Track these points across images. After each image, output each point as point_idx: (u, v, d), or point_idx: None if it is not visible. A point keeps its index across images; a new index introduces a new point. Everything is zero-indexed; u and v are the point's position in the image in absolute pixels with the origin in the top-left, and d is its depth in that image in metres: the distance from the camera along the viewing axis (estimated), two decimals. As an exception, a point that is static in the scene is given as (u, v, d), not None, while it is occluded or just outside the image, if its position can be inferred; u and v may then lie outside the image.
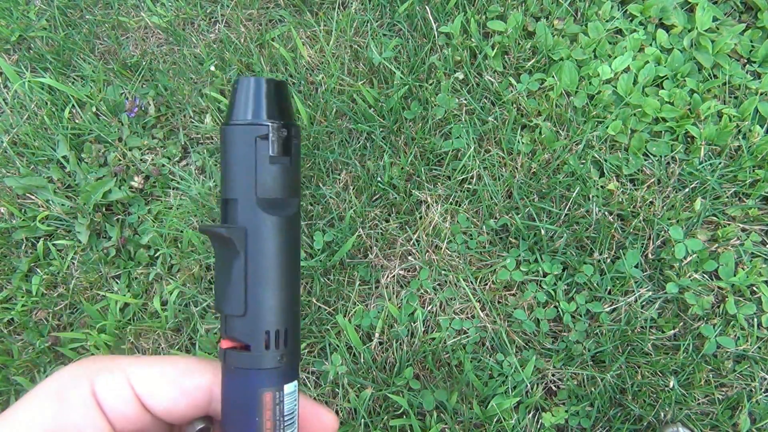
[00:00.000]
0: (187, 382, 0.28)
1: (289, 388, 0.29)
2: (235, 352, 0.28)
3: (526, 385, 0.89)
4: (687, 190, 0.99)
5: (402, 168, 1.04)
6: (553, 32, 1.13)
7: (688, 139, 1.04)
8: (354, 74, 1.15)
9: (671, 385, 0.87)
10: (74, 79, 1.29)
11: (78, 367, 0.28)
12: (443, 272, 0.98)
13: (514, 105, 1.07)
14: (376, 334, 0.95)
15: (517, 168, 1.03)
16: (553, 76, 1.08)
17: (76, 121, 1.22)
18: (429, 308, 0.96)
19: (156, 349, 1.03)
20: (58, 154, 1.18)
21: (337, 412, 0.89)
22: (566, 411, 0.88)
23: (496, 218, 1.00)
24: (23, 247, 1.13)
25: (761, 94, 1.03)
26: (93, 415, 0.27)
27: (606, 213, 0.98)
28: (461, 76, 1.11)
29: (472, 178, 1.03)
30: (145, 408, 0.28)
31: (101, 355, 0.27)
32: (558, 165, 1.02)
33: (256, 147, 0.28)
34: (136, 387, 0.27)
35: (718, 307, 0.93)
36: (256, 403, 0.28)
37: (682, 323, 0.92)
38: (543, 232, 0.96)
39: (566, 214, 0.99)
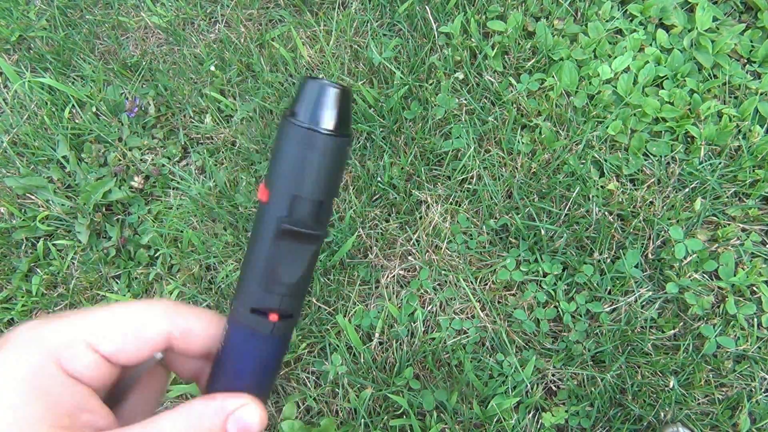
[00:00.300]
0: (148, 333, 0.31)
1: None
2: (280, 322, 0.34)
3: (526, 385, 0.89)
4: (687, 190, 0.99)
5: (402, 168, 1.04)
6: (553, 32, 1.13)
7: (688, 139, 1.04)
8: (354, 74, 1.15)
9: (671, 385, 0.87)
10: (74, 79, 1.29)
11: (38, 347, 0.28)
12: (443, 272, 0.98)
13: (514, 105, 1.07)
14: (376, 334, 0.95)
15: (517, 168, 1.03)
16: (553, 76, 1.08)
17: (76, 121, 1.22)
18: (429, 308, 0.96)
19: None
20: (58, 154, 1.18)
21: (337, 413, 0.89)
22: (566, 411, 0.88)
23: (496, 218, 1.00)
24: (23, 247, 1.13)
25: (761, 94, 1.03)
26: (72, 388, 0.28)
27: (606, 213, 0.98)
28: (461, 76, 1.11)
29: (472, 178, 1.03)
30: (112, 363, 0.30)
31: (51, 320, 0.30)
32: (558, 165, 1.02)
33: (342, 156, 0.32)
34: (100, 349, 0.29)
35: (718, 307, 0.93)
36: (274, 363, 0.36)
37: (682, 323, 0.92)
38: (543, 232, 0.96)
39: (566, 214, 0.99)
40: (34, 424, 0.26)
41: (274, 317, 0.35)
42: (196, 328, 0.33)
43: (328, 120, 0.31)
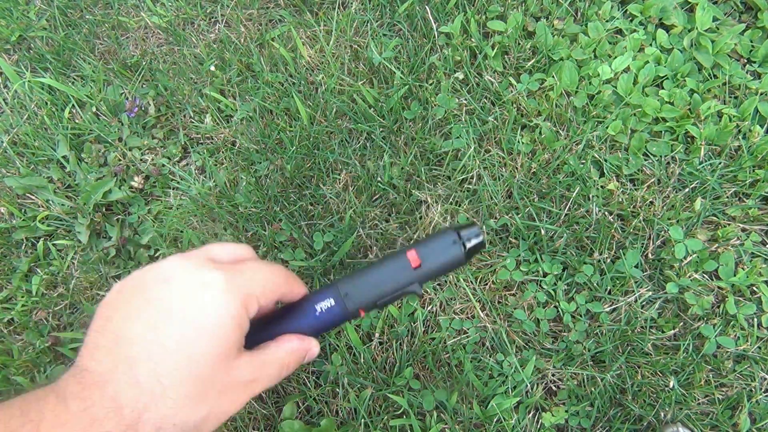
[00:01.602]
0: (281, 296, 0.53)
1: None
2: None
3: (526, 385, 0.89)
4: (687, 190, 0.99)
5: (402, 168, 1.04)
6: (553, 32, 1.13)
7: (688, 139, 1.04)
8: (354, 74, 1.15)
9: (671, 385, 0.87)
10: (74, 79, 1.29)
11: (237, 296, 0.47)
12: (443, 272, 0.98)
13: (514, 105, 1.07)
14: (376, 334, 0.95)
15: (517, 168, 1.03)
16: (553, 76, 1.08)
17: (76, 121, 1.22)
18: (429, 308, 0.96)
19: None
20: (58, 154, 1.18)
21: (337, 413, 0.89)
22: (566, 411, 0.88)
23: (496, 218, 1.00)
24: (23, 247, 1.13)
25: (761, 94, 1.04)
26: (248, 322, 0.47)
27: (606, 213, 0.98)
28: (461, 76, 1.11)
29: (472, 178, 1.03)
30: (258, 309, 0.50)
31: (237, 273, 0.50)
32: (558, 165, 1.02)
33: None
34: (260, 303, 0.49)
35: (718, 307, 0.93)
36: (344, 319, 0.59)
37: (682, 323, 0.92)
38: (543, 232, 0.96)
39: (566, 214, 0.99)
40: (237, 341, 0.46)
41: (362, 313, 0.62)
42: (296, 292, 0.56)
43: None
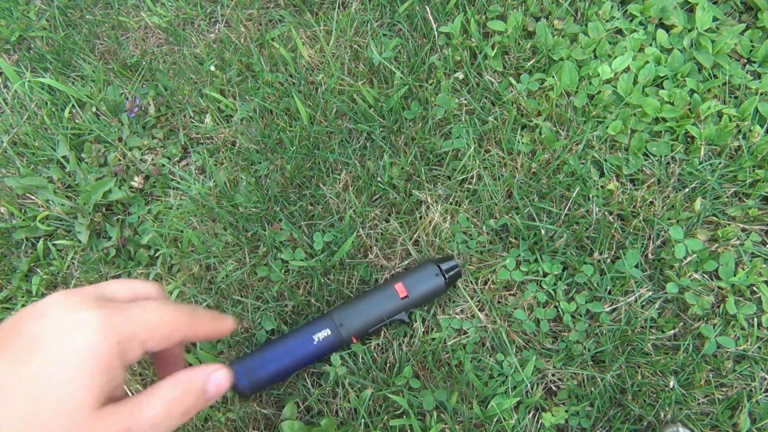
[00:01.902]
0: (176, 338, 0.45)
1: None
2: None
3: (526, 385, 0.89)
4: (687, 190, 0.99)
5: (402, 168, 1.04)
6: (553, 32, 1.13)
7: (688, 139, 1.04)
8: (354, 74, 1.15)
9: (671, 385, 0.87)
10: (74, 79, 1.29)
11: (110, 339, 0.41)
12: (443, 272, 0.97)
13: (514, 105, 1.07)
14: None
15: (517, 168, 1.03)
16: (553, 76, 1.08)
17: (76, 121, 1.22)
18: (429, 308, 0.96)
19: (156, 349, 1.03)
20: (58, 154, 1.18)
21: (337, 413, 0.89)
22: (566, 411, 0.88)
23: (496, 218, 1.00)
24: (23, 247, 1.13)
25: (761, 94, 1.04)
26: (122, 371, 0.42)
27: (606, 213, 0.98)
28: (461, 76, 1.11)
29: (472, 178, 1.03)
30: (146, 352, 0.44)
31: (116, 312, 0.43)
32: (558, 165, 1.02)
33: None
34: (147, 348, 0.43)
35: (718, 307, 0.93)
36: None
37: (682, 323, 0.92)
38: (543, 232, 0.96)
39: (566, 214, 0.99)
40: (102, 387, 0.40)
41: (354, 340, 0.78)
42: (209, 331, 0.49)
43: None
